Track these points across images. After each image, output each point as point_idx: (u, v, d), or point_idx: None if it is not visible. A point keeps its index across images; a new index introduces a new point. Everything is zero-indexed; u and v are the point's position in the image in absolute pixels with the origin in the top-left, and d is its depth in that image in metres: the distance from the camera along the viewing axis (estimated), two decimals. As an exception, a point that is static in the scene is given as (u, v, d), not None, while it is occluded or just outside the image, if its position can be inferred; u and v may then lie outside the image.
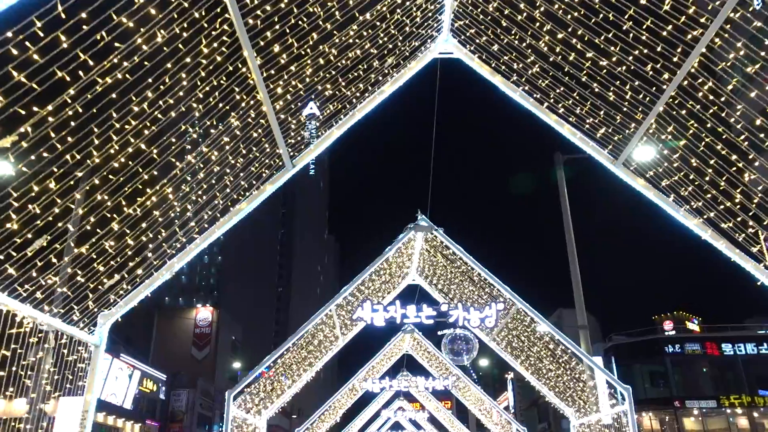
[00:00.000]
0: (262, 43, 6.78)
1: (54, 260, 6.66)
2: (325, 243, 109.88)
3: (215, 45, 6.76)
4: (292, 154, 8.33)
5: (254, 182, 8.19)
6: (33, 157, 5.58)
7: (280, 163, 8.30)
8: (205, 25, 6.45)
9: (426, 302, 13.47)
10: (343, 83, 8.05)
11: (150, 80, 6.39)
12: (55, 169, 5.92)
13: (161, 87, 6.58)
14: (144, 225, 7.06)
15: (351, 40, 7.61)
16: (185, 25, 6.20)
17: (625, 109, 7.88)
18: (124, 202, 6.84)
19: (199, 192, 7.90)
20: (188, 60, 6.56)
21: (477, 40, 8.36)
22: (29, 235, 6.03)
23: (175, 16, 6.04)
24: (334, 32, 7.38)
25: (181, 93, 6.78)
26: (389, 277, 15.20)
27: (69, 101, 5.66)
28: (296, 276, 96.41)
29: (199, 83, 7.12)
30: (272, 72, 7.21)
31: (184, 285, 73.51)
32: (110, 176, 6.63)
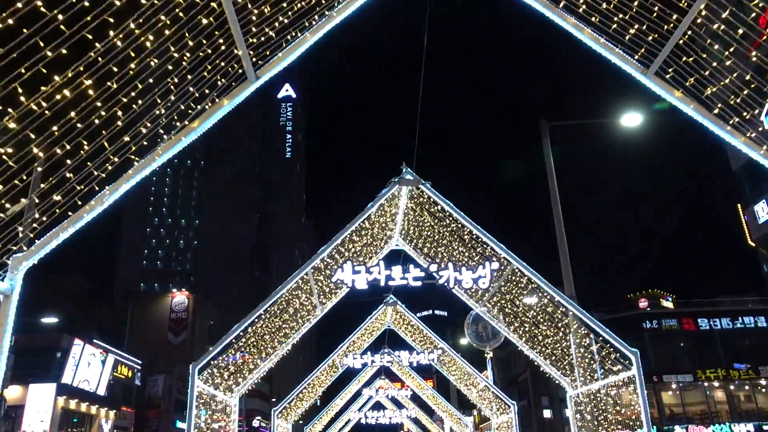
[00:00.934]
0: None
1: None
2: (303, 228, 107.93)
3: None
4: (255, 61, 6.53)
5: (207, 92, 6.37)
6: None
7: (240, 71, 6.48)
8: None
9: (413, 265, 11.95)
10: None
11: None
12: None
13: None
14: (55, 129, 5.06)
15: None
16: None
17: (657, 7, 6.50)
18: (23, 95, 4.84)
19: (135, 95, 5.83)
20: None
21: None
22: None
23: None
24: None
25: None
26: (371, 240, 13.63)
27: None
28: (274, 260, 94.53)
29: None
30: None
31: (160, 271, 71.20)
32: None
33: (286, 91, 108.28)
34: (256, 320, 11.76)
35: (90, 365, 44.56)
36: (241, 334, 11.62)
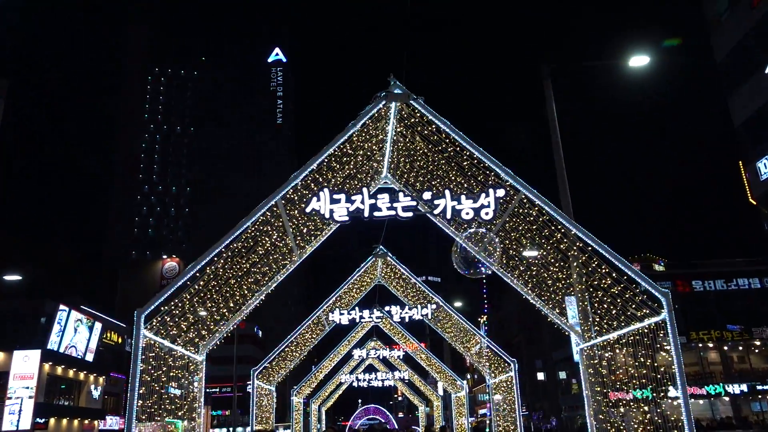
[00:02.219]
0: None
1: None
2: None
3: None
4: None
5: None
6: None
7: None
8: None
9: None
10: None
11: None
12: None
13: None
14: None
15: None
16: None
17: None
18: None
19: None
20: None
21: None
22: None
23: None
24: None
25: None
26: (355, 171, 11.43)
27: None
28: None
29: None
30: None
31: (152, 239, 68.88)
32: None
33: (276, 55, 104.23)
34: (216, 259, 9.63)
35: (77, 331, 42.60)
36: (198, 275, 9.49)
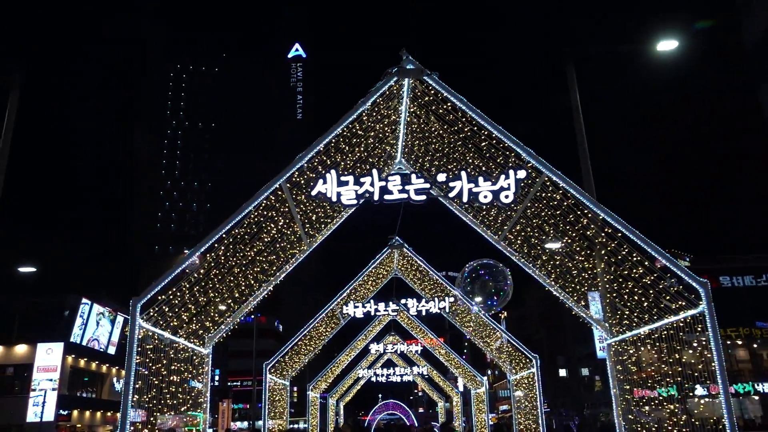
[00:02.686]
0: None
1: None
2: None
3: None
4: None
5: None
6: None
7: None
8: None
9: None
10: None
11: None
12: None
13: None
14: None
15: None
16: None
17: None
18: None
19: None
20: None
21: None
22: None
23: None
24: None
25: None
26: (366, 154, 10.69)
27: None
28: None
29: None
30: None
31: (174, 233, 69.03)
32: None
33: (296, 50, 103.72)
34: (217, 246, 8.99)
35: (99, 324, 42.69)
36: (198, 261, 8.85)
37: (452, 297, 16.56)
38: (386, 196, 8.84)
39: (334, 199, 8.71)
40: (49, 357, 38.06)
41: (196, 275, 9.00)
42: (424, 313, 16.41)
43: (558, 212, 9.71)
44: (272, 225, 9.93)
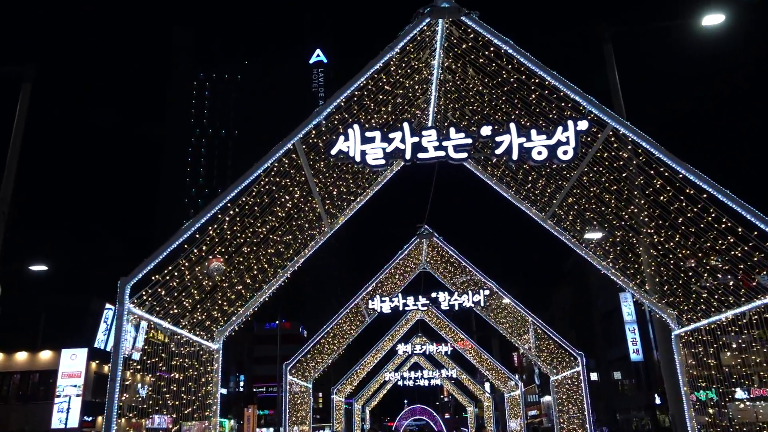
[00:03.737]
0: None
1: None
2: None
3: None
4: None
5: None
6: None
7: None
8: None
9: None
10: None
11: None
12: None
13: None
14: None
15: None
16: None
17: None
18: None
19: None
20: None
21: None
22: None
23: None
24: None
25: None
26: (393, 118, 9.13)
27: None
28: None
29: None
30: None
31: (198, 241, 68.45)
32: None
33: (317, 56, 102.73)
34: (220, 216, 7.48)
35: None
36: (197, 236, 7.36)
37: (487, 289, 14.88)
38: (420, 155, 7.27)
39: (358, 158, 7.16)
40: (73, 363, 37.14)
41: (196, 251, 7.50)
42: (456, 308, 14.74)
43: (624, 174, 8.01)
44: (287, 197, 8.42)
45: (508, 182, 10.28)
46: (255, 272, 8.97)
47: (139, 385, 38.73)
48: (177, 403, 8.50)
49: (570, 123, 7.11)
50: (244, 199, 7.58)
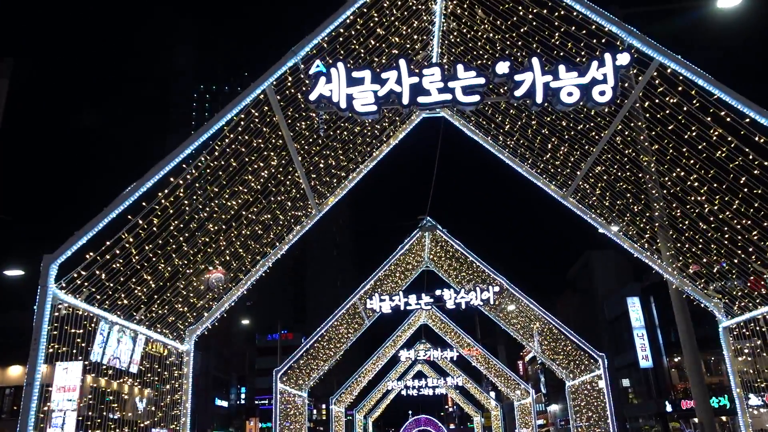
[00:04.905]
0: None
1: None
2: (338, 204, 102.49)
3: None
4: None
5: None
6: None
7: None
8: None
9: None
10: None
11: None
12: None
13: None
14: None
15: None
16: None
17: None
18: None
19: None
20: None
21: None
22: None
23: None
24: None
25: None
26: (385, 58, 7.57)
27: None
28: (310, 238, 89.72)
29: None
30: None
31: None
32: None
33: (317, 66, 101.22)
34: (173, 180, 5.89)
35: (120, 342, 40.13)
36: (144, 205, 5.75)
37: (497, 286, 13.25)
38: (420, 99, 5.70)
39: (344, 104, 5.61)
40: (67, 376, 35.52)
41: (145, 226, 5.89)
42: (463, 306, 13.08)
43: (669, 127, 6.43)
44: (261, 164, 6.86)
45: (522, 154, 8.71)
46: (228, 257, 7.38)
47: (137, 399, 36.44)
48: (130, 414, 6.89)
49: (607, 56, 5.57)
50: (204, 159, 6.01)
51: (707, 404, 12.86)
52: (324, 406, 55.92)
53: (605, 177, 7.80)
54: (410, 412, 60.03)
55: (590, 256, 48.88)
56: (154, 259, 6.30)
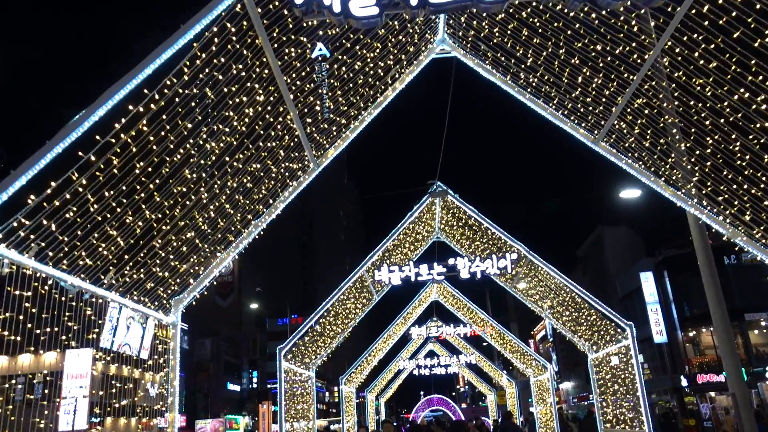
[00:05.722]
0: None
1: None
2: (346, 188, 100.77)
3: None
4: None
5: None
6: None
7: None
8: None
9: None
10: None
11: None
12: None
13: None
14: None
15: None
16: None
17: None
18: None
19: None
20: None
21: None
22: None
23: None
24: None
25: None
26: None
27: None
28: (318, 222, 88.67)
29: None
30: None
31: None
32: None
33: (320, 50, 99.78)
34: (131, 107, 4.77)
35: (129, 328, 39.53)
36: (98, 139, 4.67)
37: (515, 253, 12.14)
38: (433, -2, 4.56)
39: (338, 7, 4.46)
40: (78, 363, 35.01)
41: (101, 164, 4.77)
42: (478, 275, 11.99)
43: (734, 35, 5.24)
44: (244, 98, 5.74)
45: (547, 93, 7.54)
46: (212, 212, 6.31)
47: (149, 385, 35.65)
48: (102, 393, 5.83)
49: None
50: (170, 82, 4.88)
51: (740, 376, 11.82)
52: (336, 388, 55.38)
53: (646, 111, 6.63)
54: (422, 392, 59.41)
55: (602, 232, 47.58)
56: (119, 209, 5.22)
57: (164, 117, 4.93)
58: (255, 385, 50.42)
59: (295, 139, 6.94)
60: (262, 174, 6.74)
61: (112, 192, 4.96)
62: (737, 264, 39.69)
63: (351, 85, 6.95)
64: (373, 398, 25.19)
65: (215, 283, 58.83)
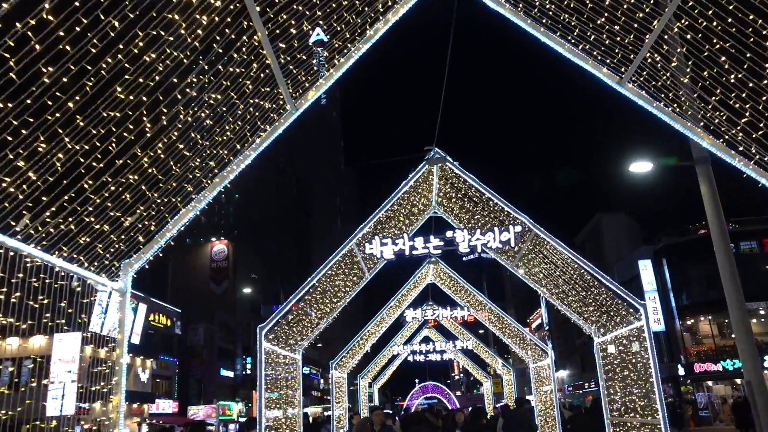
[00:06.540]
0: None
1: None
2: (343, 175, 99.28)
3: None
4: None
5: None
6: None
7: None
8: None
9: None
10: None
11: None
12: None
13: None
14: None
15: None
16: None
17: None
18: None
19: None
20: None
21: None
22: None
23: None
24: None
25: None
26: None
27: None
28: (316, 207, 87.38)
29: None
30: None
31: (204, 225, 65.20)
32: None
33: (317, 35, 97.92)
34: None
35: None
36: None
37: (518, 225, 10.95)
38: None
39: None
40: (66, 348, 33.92)
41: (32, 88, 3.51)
42: (479, 249, 10.83)
43: None
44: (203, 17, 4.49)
45: (566, 24, 6.31)
46: (160, 153, 5.09)
47: (140, 370, 34.32)
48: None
49: None
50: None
51: (756, 363, 10.74)
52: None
53: (684, 37, 5.40)
54: (416, 380, 58.50)
55: (600, 219, 46.57)
56: (23, 131, 3.98)
57: (77, 3, 3.67)
58: (249, 372, 49.41)
59: (267, 71, 5.70)
60: (224, 109, 5.51)
61: (9, 104, 3.72)
62: (736, 253, 38.68)
63: (334, 5, 5.70)
64: (366, 384, 24.11)
65: (211, 267, 57.54)
